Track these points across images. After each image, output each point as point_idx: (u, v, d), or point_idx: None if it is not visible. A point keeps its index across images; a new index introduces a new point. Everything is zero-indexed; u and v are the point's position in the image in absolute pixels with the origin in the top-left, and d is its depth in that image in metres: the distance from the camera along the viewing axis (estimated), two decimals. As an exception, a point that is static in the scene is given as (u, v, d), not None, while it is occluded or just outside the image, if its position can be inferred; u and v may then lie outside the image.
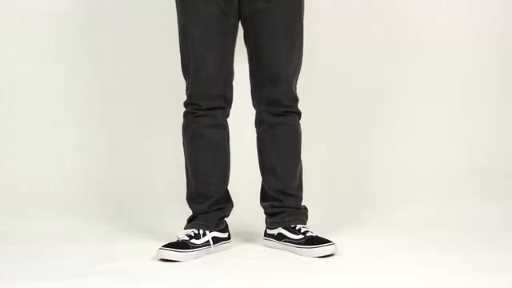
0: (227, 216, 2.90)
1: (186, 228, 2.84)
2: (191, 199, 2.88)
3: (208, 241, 2.79)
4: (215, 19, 2.77)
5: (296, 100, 2.88)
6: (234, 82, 2.86)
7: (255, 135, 2.94)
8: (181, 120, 2.87)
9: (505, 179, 3.55)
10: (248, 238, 3.02)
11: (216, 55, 2.78)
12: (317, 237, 2.77)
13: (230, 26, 2.80)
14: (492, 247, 2.84)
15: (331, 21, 3.53)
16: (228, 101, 2.85)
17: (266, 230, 2.93)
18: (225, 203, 2.89)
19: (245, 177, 3.21)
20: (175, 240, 2.76)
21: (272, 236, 2.89)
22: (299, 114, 2.90)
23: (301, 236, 2.79)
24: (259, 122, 2.90)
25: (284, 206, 2.88)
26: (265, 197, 2.93)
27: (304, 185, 2.93)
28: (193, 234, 2.78)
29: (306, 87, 2.92)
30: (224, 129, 2.87)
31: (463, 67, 3.62)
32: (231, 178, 2.91)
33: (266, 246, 2.90)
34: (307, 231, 2.80)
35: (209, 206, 2.84)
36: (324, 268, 2.57)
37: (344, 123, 3.58)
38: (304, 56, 2.88)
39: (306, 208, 2.93)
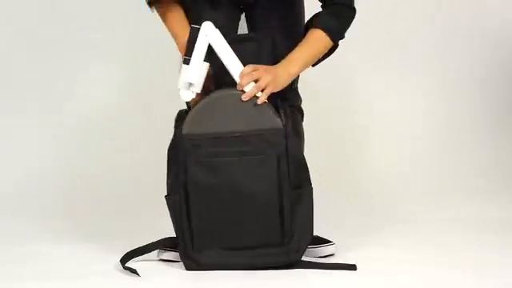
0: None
1: (185, 228, 2.83)
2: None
3: (208, 241, 2.78)
4: (229, 26, 2.76)
5: (299, 100, 2.87)
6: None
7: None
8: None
9: (505, 179, 3.55)
10: (248, 238, 3.01)
11: None
12: (317, 237, 2.76)
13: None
14: (492, 247, 2.84)
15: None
16: None
17: (266, 230, 2.91)
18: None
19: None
20: (175, 240, 2.76)
21: (272, 236, 2.87)
22: (302, 114, 2.89)
23: (301, 236, 2.78)
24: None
25: (285, 206, 2.87)
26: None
27: (304, 185, 2.92)
28: (193, 235, 2.77)
29: (305, 87, 2.92)
30: None
31: (460, 68, 3.63)
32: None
33: (266, 246, 2.89)
34: (307, 231, 2.79)
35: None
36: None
37: (344, 123, 3.58)
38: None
39: (306, 209, 2.92)
